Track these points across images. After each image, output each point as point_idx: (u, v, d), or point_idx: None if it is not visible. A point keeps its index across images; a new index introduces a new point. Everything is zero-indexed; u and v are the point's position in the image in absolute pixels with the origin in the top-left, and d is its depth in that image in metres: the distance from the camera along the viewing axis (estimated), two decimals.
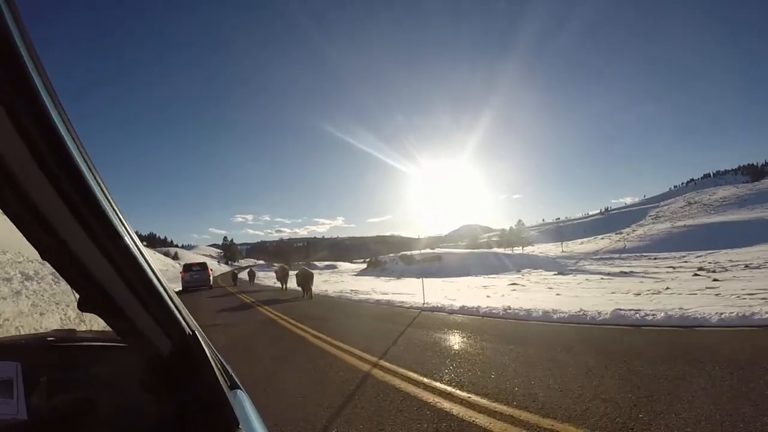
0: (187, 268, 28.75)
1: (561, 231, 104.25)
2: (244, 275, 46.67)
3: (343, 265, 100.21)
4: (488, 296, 16.39)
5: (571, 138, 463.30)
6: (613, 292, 16.10)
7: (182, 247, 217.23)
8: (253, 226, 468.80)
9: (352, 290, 20.51)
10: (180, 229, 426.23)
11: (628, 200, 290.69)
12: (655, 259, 46.63)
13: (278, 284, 25.62)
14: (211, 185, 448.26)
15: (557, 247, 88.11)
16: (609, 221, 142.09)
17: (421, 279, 17.21)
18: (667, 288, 16.05)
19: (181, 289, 26.91)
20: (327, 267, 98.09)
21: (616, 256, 55.25)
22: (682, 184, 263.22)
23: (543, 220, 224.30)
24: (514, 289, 19.87)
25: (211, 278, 29.05)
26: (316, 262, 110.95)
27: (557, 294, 16.44)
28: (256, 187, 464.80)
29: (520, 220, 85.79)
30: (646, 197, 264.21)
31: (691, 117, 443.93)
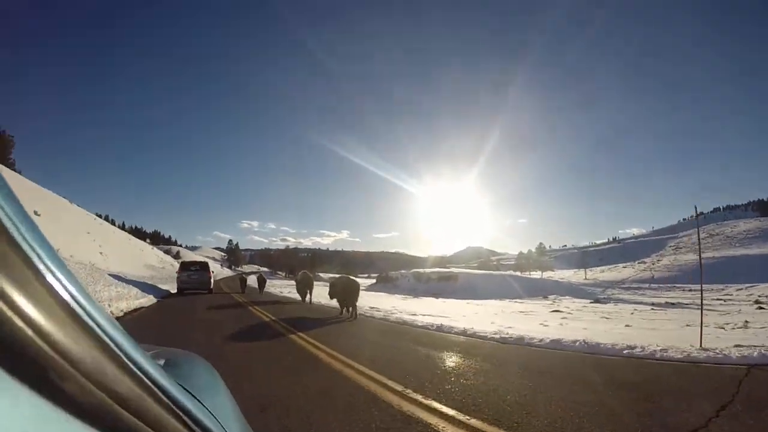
0: (185, 266, 24.27)
1: (579, 258, 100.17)
2: (250, 282, 40.44)
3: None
4: (545, 324, 13.59)
5: (578, 167, 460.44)
6: (688, 325, 13.79)
7: (186, 247, 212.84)
8: (258, 233, 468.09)
9: (372, 307, 17.48)
10: (185, 229, 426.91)
11: (635, 231, 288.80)
12: (690, 290, 44.38)
13: (294, 296, 21.84)
14: (220, 189, 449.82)
15: (576, 273, 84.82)
16: (625, 250, 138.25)
17: (444, 299, 15.03)
18: (746, 322, 13.74)
19: (175, 291, 23.42)
20: (331, 278, 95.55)
21: (646, 285, 52.64)
22: (692, 217, 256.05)
23: (565, 245, 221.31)
24: (564, 317, 17.15)
25: (212, 281, 24.59)
26: (321, 274, 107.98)
27: (626, 326, 13.84)
28: (263, 194, 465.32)
29: (540, 243, 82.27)
30: (654, 229, 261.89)
31: (700, 152, 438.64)
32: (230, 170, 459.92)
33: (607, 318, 17.68)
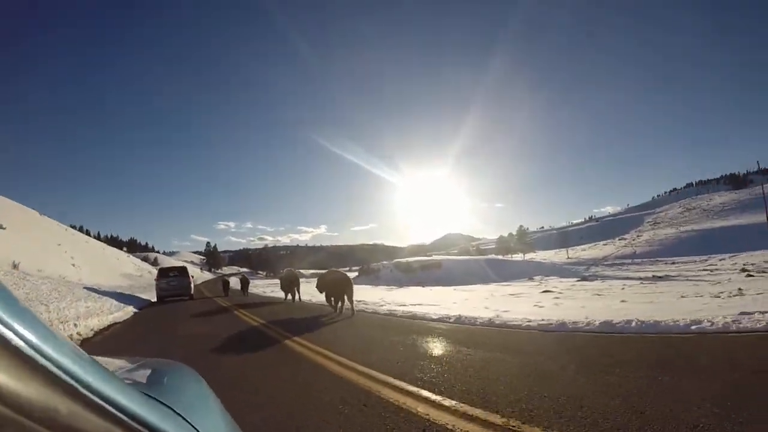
0: (163, 273, 22.93)
1: (559, 239, 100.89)
2: (233, 283, 38.34)
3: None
4: (540, 305, 12.97)
5: (551, 148, 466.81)
6: (682, 296, 13.20)
7: (163, 253, 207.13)
8: (235, 234, 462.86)
9: (359, 300, 16.58)
10: (161, 235, 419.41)
11: (610, 209, 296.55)
12: (673, 263, 44.88)
13: (280, 294, 20.85)
14: (193, 191, 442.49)
15: (558, 253, 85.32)
16: (603, 228, 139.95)
17: (430, 287, 15.05)
18: (740, 289, 13.35)
19: (155, 300, 22.07)
20: (313, 275, 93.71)
21: (628, 261, 52.85)
22: (665, 193, 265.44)
23: (543, 227, 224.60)
24: (557, 297, 16.54)
25: (192, 286, 23.34)
26: (302, 270, 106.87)
27: (622, 301, 13.30)
28: (238, 194, 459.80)
29: (521, 226, 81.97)
30: (629, 206, 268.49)
31: (671, 126, 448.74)
32: (204, 172, 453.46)
33: (599, 295, 17.09)
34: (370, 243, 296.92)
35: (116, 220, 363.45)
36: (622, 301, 13.44)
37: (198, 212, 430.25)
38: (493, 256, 74.38)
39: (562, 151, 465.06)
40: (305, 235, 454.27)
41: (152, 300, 22.24)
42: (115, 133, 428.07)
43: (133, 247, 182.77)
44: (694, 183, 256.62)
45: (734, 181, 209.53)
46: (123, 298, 19.31)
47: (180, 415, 0.65)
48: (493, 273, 41.63)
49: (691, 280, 23.59)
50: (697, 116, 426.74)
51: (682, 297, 13.17)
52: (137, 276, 51.23)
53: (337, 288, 12.48)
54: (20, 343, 0.39)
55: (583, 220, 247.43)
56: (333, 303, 12.72)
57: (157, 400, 0.63)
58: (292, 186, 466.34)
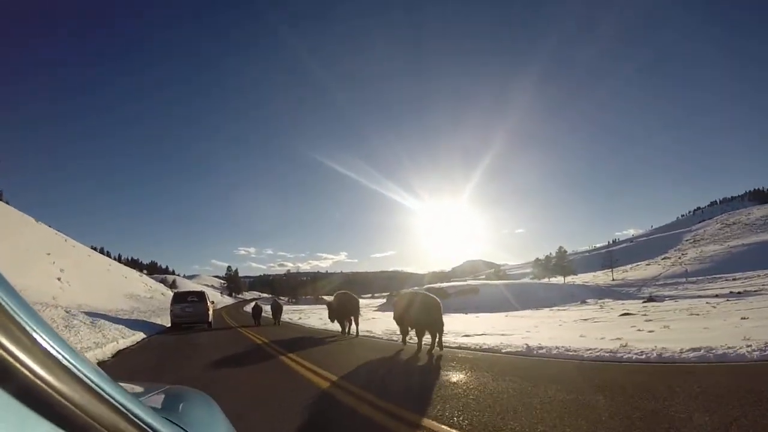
0: (179, 297, 20.77)
1: (591, 261, 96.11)
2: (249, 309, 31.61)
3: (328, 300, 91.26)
4: (649, 331, 10.43)
5: (572, 174, 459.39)
6: None
7: (183, 276, 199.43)
8: (255, 260, 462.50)
9: (390, 330, 13.88)
10: (182, 259, 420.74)
11: (633, 231, 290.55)
12: (734, 279, 41.48)
13: (312, 322, 18.75)
14: (215, 217, 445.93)
15: (596, 276, 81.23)
16: (638, 249, 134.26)
17: (474, 314, 13.87)
18: None
19: (170, 325, 19.96)
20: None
21: (683, 280, 49.16)
22: (689, 212, 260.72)
23: (591, 246, 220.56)
24: (650, 320, 13.89)
25: (211, 313, 20.99)
26: (324, 296, 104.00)
27: (743, 318, 11.45)
28: (258, 220, 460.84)
29: (561, 247, 77.64)
30: (653, 227, 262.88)
31: (688, 148, 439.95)
32: (225, 198, 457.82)
33: (696, 314, 14.73)
34: (390, 270, 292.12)
35: (138, 244, 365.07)
36: (743, 318, 11.61)
37: (219, 238, 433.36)
38: (527, 280, 71.01)
39: (583, 177, 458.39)
40: (325, 262, 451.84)
41: (165, 325, 20.49)
42: (140, 161, 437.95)
43: (153, 269, 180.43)
44: (718, 201, 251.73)
45: (759, 197, 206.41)
46: (121, 325, 15.46)
47: None
48: (539, 297, 38.64)
49: None
50: (712, 136, 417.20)
51: None
52: (146, 298, 44.49)
53: (428, 317, 9.23)
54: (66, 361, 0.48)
55: (607, 243, 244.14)
56: (417, 338, 9.62)
57: (176, 424, 0.67)
58: (312, 213, 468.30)
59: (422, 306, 9.43)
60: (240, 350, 10.63)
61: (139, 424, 0.57)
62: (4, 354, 0.43)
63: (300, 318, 25.93)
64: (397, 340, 10.68)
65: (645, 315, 16.38)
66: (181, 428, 0.67)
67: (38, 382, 0.45)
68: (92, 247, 69.17)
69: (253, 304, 24.39)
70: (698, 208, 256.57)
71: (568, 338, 9.82)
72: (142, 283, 57.81)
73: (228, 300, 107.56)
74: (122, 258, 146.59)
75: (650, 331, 10.48)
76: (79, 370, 0.50)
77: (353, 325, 13.22)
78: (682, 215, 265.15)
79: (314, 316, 28.11)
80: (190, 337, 14.92)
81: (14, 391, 0.43)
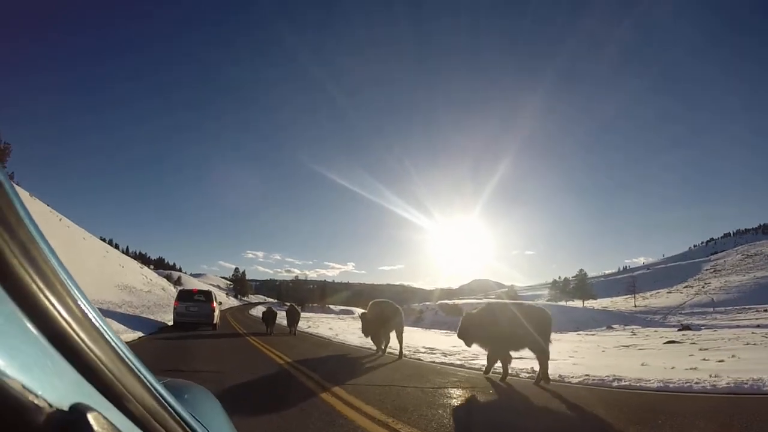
0: (184, 295, 19.68)
1: (608, 286, 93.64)
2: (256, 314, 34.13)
3: (360, 311, 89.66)
4: (719, 361, 9.24)
5: (584, 199, 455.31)
6: None
7: (190, 274, 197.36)
8: (263, 264, 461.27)
9: (427, 348, 12.52)
10: (190, 258, 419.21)
11: (643, 260, 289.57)
12: (765, 311, 40.03)
13: (326, 333, 17.46)
14: (225, 218, 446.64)
15: (614, 301, 79.16)
16: (655, 276, 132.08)
17: None
18: None
19: (170, 324, 19.08)
20: (342, 312, 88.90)
21: (710, 309, 47.55)
22: (702, 243, 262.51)
23: (600, 272, 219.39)
24: (705, 349, 12.65)
25: (217, 314, 19.87)
26: (331, 306, 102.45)
27: None
28: (268, 225, 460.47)
29: (581, 270, 75.67)
30: (665, 256, 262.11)
31: (702, 182, 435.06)
32: (236, 200, 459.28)
33: (753, 344, 13.49)
34: (397, 283, 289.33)
35: (148, 239, 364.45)
36: None
37: (228, 240, 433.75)
38: (542, 302, 69.28)
39: (593, 203, 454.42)
40: (333, 271, 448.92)
41: (162, 323, 19.63)
42: (157, 159, 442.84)
43: (160, 265, 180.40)
44: (731, 233, 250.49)
45: None
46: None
47: (199, 422, 0.75)
48: (559, 321, 37.15)
49: None
50: (725, 169, 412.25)
51: None
52: (143, 291, 40.91)
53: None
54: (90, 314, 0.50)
55: (617, 269, 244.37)
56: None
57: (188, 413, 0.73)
58: (322, 222, 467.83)
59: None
60: (257, 375, 7.37)
61: (159, 394, 0.60)
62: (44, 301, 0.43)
63: (309, 327, 24.32)
64: (455, 364, 9.16)
65: (694, 343, 15.09)
66: (194, 417, 0.71)
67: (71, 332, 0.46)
68: (101, 238, 66.49)
69: (264, 308, 22.86)
70: (711, 239, 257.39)
71: (630, 367, 8.67)
72: (141, 275, 53.69)
73: (233, 302, 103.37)
74: (130, 251, 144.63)
75: (720, 361, 9.32)
76: (107, 332, 0.52)
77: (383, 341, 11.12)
78: (695, 245, 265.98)
79: (323, 326, 26.98)
80: (188, 346, 11.95)
81: (49, 336, 0.43)
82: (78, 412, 0.43)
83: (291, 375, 7.49)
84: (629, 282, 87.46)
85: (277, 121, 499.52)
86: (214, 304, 19.49)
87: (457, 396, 5.88)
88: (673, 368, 8.15)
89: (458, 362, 9.41)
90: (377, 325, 10.96)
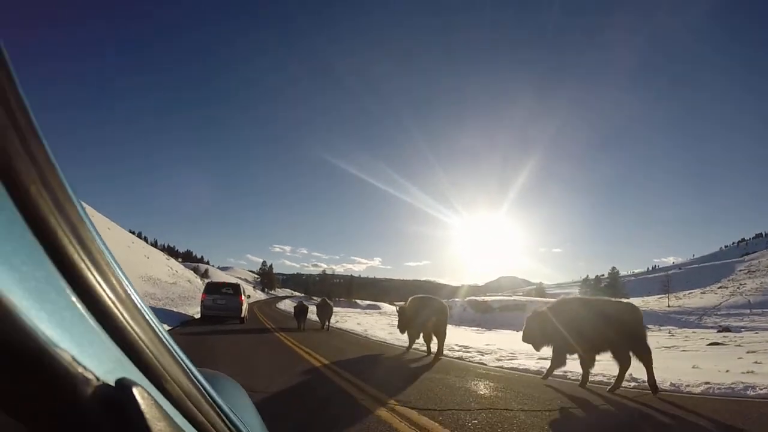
0: (212, 288, 19.59)
1: (662, 282, 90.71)
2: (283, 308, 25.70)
3: (386, 307, 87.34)
4: None
5: (614, 194, 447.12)
6: None
7: (217, 267, 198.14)
8: (290, 258, 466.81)
9: (461, 346, 12.43)
10: (218, 251, 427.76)
11: (672, 259, 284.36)
12: None
13: (355, 329, 17.83)
14: (253, 212, 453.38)
15: (649, 301, 77.78)
16: (687, 276, 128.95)
17: None
18: None
19: (199, 316, 19.17)
20: (369, 307, 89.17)
21: (747, 311, 46.58)
22: (733, 244, 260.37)
23: (648, 268, 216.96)
24: (753, 351, 12.63)
25: (245, 307, 19.76)
26: (357, 300, 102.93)
27: None
28: (296, 219, 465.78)
29: (614, 268, 74.67)
30: (695, 256, 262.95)
31: (737, 177, 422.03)
32: (265, 195, 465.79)
33: None
34: (423, 279, 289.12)
35: (175, 233, 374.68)
36: None
37: (255, 234, 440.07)
38: None
39: (622, 202, 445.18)
40: (359, 266, 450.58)
41: (188, 316, 20.05)
42: (188, 156, 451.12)
43: (187, 258, 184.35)
44: (763, 234, 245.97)
45: None
46: None
47: (235, 414, 0.76)
48: None
49: None
50: (759, 168, 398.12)
51: None
52: (168, 283, 40.59)
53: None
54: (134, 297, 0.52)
55: (646, 269, 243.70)
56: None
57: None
58: (348, 218, 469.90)
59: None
60: (294, 381, 6.47)
61: (195, 377, 0.62)
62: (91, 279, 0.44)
63: (337, 321, 24.37)
64: (519, 368, 8.49)
65: (739, 346, 14.98)
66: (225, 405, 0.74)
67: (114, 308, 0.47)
68: (130, 231, 67.05)
69: (295, 302, 22.78)
70: (743, 240, 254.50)
71: (682, 369, 8.78)
72: (167, 267, 53.83)
73: (260, 295, 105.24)
74: (158, 244, 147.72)
75: None
76: (148, 314, 0.55)
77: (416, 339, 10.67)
78: (726, 246, 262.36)
79: (351, 321, 27.30)
80: (212, 343, 11.28)
81: (98, 316, 0.45)
82: (124, 386, 0.45)
83: (335, 383, 6.51)
84: (662, 281, 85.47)
85: (304, 117, 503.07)
86: (242, 297, 19.43)
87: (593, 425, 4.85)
88: (727, 371, 8.21)
89: (511, 366, 8.84)
90: (418, 322, 10.14)
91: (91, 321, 0.44)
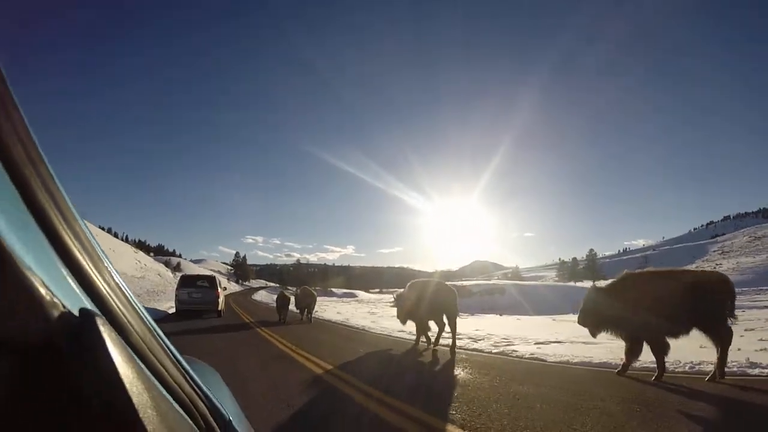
0: (187, 281, 18.75)
1: (640, 263, 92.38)
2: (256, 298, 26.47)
3: (362, 294, 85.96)
4: None
5: (581, 181, 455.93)
6: None
7: (190, 260, 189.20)
8: (263, 248, 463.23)
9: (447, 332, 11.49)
10: (190, 244, 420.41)
11: (642, 242, 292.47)
12: None
13: (335, 319, 17.46)
14: (223, 204, 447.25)
15: None
16: (661, 258, 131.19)
17: (516, 316, 11.03)
18: None
19: (173, 311, 18.36)
20: (345, 295, 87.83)
21: None
22: (702, 226, 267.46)
23: (619, 251, 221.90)
24: (752, 329, 11.93)
25: (221, 300, 18.95)
26: (333, 289, 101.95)
27: None
28: (267, 209, 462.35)
29: (591, 250, 75.11)
30: (664, 239, 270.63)
31: (704, 161, 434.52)
32: (235, 185, 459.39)
33: None
34: (397, 266, 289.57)
35: (147, 227, 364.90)
36: None
37: (227, 225, 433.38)
38: (551, 282, 68.61)
39: (591, 185, 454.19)
40: (332, 254, 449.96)
41: (170, 310, 19.12)
42: (156, 147, 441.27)
43: (159, 252, 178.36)
44: (731, 216, 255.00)
45: None
46: None
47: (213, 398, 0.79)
48: (575, 300, 36.30)
49: None
50: (724, 153, 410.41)
51: None
52: (135, 278, 38.79)
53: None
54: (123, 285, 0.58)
55: (617, 251, 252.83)
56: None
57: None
58: (321, 206, 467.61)
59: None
60: (296, 406, 4.47)
61: (179, 360, 0.67)
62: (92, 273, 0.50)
63: (316, 311, 23.17)
64: (536, 356, 7.78)
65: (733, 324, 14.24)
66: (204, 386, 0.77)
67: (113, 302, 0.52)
68: (100, 227, 65.63)
69: (276, 294, 21.25)
70: (711, 222, 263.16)
71: (691, 349, 7.84)
72: (135, 260, 51.39)
73: (235, 287, 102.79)
74: (129, 239, 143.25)
75: None
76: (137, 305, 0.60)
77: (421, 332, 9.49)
78: (695, 228, 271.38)
79: (330, 310, 26.50)
80: (183, 344, 8.97)
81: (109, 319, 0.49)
82: (87, 315, 0.46)
83: (344, 396, 5.03)
84: (639, 262, 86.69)
85: (275, 106, 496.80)
86: (219, 290, 18.67)
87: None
88: (739, 350, 7.32)
89: (518, 352, 8.43)
90: (427, 310, 8.92)
91: (60, 264, 0.46)
